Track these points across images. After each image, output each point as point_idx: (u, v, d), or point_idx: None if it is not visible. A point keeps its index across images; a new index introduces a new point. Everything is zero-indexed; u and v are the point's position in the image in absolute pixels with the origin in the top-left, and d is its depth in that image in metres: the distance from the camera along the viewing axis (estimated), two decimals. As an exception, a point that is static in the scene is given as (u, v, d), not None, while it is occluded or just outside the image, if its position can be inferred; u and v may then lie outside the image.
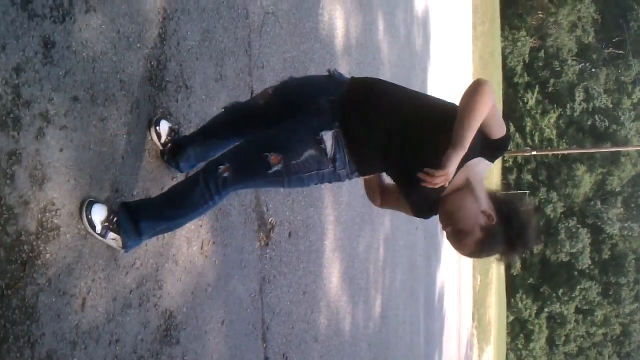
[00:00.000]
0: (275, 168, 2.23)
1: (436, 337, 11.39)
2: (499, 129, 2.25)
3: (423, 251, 10.18)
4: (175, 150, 2.72)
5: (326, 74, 2.49)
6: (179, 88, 2.96)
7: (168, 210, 2.39)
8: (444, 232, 2.34)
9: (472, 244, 2.25)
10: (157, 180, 2.72)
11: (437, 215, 2.35)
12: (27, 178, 2.01)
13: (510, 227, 2.24)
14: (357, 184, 5.93)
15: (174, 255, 2.83)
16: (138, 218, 2.35)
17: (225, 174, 2.27)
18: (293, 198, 4.26)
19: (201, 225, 3.08)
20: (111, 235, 2.32)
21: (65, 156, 2.18)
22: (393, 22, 8.24)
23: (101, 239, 2.31)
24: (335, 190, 5.23)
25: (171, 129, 2.74)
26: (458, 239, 2.26)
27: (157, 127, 2.69)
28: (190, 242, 2.98)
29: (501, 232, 2.24)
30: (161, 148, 2.73)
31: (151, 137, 2.68)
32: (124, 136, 2.52)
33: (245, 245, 3.55)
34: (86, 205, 2.25)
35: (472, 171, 2.26)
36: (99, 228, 2.28)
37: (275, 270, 3.95)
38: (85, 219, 2.24)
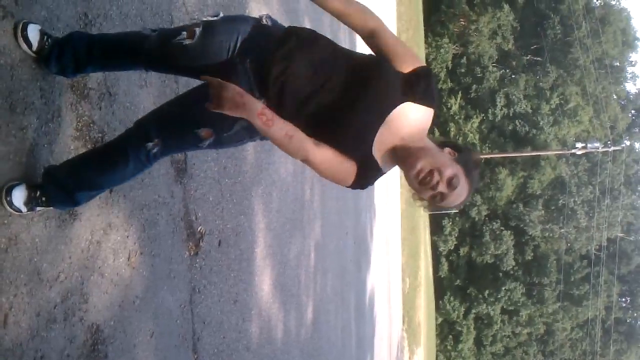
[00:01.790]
0: (207, 142, 2.20)
1: (368, 341, 11.50)
2: (408, 61, 2.11)
3: (353, 256, 10.26)
4: (68, 64, 2.43)
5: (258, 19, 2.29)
6: (102, 95, 2.88)
7: (101, 180, 2.40)
8: (436, 196, 2.16)
9: (463, 180, 2.13)
10: (81, 191, 2.64)
11: (421, 184, 2.14)
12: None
13: (470, 155, 2.21)
14: (289, 190, 5.94)
15: (99, 267, 2.75)
16: (73, 191, 2.35)
17: (155, 149, 2.23)
18: (223, 206, 4.22)
19: (128, 236, 3.00)
20: (39, 209, 2.34)
21: (-18, 167, 2.09)
22: (321, 29, 8.30)
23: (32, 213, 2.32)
24: (266, 198, 5.22)
25: (42, 33, 2.39)
26: (452, 185, 2.10)
27: (25, 33, 2.32)
28: (117, 254, 2.90)
29: (469, 159, 2.19)
30: (35, 56, 2.39)
31: (20, 46, 2.34)
32: (45, 146, 2.43)
33: (174, 256, 3.49)
34: (5, 192, 2.20)
35: (403, 124, 2.11)
36: (24, 209, 2.25)
37: (205, 280, 3.89)
38: (8, 206, 2.20)
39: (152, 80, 3.38)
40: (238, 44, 2.18)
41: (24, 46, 2.32)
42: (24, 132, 2.31)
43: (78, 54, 2.40)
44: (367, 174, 2.18)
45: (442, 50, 39.25)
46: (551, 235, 42.85)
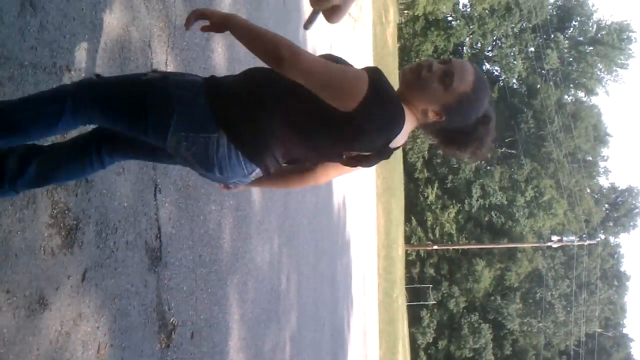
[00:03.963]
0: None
1: None
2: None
3: (330, 349, 10.05)
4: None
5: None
6: (78, 182, 2.86)
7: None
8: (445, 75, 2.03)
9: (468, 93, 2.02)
10: (52, 279, 2.58)
11: None
12: None
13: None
14: (264, 279, 5.86)
15: (68, 359, 2.65)
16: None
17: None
18: (197, 296, 4.14)
19: (98, 327, 2.92)
20: None
21: (-49, 254, 2.04)
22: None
23: None
24: (241, 287, 5.13)
25: None
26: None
27: None
28: (86, 346, 2.80)
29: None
30: None
31: None
32: (19, 233, 2.39)
33: (144, 348, 3.38)
34: None
35: None
36: None
37: (177, 373, 3.76)
38: None
39: (130, 167, 3.37)
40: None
41: None
42: (-4, 219, 2.27)
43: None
44: (381, 94, 1.97)
45: (418, 141, 40.04)
46: (529, 329, 42.53)
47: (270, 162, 2.09)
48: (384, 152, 2.14)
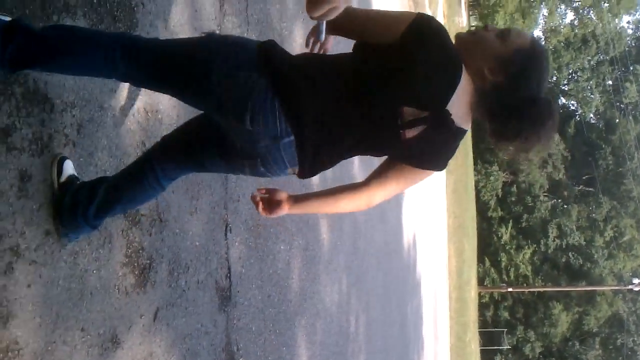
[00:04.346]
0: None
1: None
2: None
3: (399, 390, 9.86)
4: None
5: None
6: (153, 222, 2.94)
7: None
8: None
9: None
10: (125, 318, 2.64)
11: None
12: (-11, 315, 1.94)
13: None
14: (333, 321, 5.82)
15: (137, 397, 2.69)
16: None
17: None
18: (265, 337, 4.15)
19: (168, 365, 2.96)
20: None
21: (33, 292, 2.12)
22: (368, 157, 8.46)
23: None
24: (309, 329, 5.12)
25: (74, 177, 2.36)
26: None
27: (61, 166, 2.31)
28: (155, 383, 2.84)
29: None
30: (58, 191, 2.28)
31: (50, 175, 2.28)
32: (94, 272, 2.46)
33: (213, 386, 3.41)
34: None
35: None
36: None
37: (245, 413, 3.77)
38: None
39: (202, 206, 3.45)
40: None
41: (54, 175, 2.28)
42: (74, 258, 2.35)
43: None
44: (432, 22, 1.83)
45: (491, 178, 39.40)
46: (610, 377, 40.61)
47: (309, 133, 1.89)
48: (442, 114, 1.84)
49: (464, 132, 1.96)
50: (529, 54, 1.86)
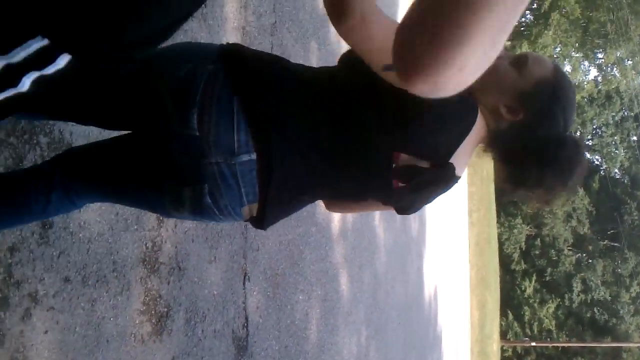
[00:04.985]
0: None
1: None
2: None
3: None
4: None
5: None
6: (172, 270, 2.96)
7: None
8: None
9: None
10: (140, 366, 2.64)
11: None
12: (5, 361, 1.95)
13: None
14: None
15: None
16: None
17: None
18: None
19: (182, 415, 2.94)
20: None
21: (49, 339, 2.14)
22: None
23: None
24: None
25: None
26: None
27: None
28: None
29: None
30: None
31: None
32: (111, 319, 2.48)
33: None
34: None
35: None
36: None
37: None
38: None
39: (221, 255, 3.46)
40: None
41: None
42: (92, 305, 2.37)
43: None
44: None
45: (515, 231, 38.97)
46: None
47: (278, 153, 1.40)
48: (445, 168, 1.53)
49: (458, 179, 1.62)
50: (553, 86, 1.52)
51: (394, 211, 1.69)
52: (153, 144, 1.40)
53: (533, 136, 1.52)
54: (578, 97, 42.76)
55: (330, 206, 1.80)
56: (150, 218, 2.79)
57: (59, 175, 1.51)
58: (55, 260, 2.19)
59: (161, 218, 2.89)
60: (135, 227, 2.68)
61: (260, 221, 1.48)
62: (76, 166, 1.52)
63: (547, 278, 40.30)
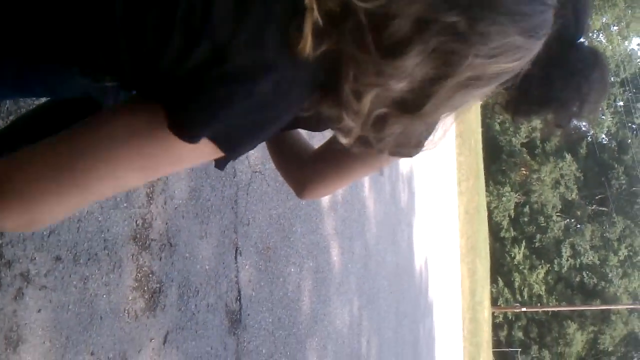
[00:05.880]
0: None
1: None
2: None
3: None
4: None
5: None
6: (162, 246, 2.96)
7: None
8: None
9: None
10: (134, 342, 2.66)
11: None
12: (2, 340, 1.96)
13: None
14: (344, 342, 5.79)
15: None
16: None
17: None
18: (275, 359, 4.15)
19: (178, 389, 2.97)
20: None
21: (43, 317, 2.14)
22: (378, 178, 8.47)
23: None
24: (320, 351, 5.10)
25: None
26: None
27: None
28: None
29: None
30: None
31: None
32: (104, 296, 2.49)
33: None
34: None
35: None
36: None
37: None
38: None
39: (212, 231, 3.47)
40: None
41: None
42: (84, 283, 2.38)
43: None
44: None
45: (504, 199, 39.21)
46: (627, 397, 40.06)
47: None
48: None
49: None
50: None
51: None
52: None
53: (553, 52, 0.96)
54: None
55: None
56: (140, 195, 2.79)
57: None
58: (46, 239, 2.19)
59: (151, 195, 2.89)
60: (125, 204, 2.68)
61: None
62: None
63: (537, 244, 40.68)
